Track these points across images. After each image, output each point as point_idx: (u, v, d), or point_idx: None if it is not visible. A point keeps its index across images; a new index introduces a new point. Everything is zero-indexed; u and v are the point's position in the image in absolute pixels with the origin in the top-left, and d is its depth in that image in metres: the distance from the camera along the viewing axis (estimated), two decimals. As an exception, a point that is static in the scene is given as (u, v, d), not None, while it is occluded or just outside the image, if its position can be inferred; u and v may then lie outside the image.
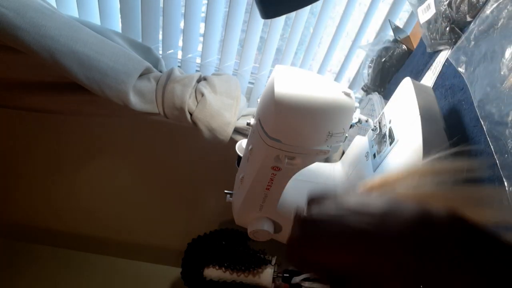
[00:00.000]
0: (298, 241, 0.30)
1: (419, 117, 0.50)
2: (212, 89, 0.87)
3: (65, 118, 1.03)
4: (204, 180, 1.18)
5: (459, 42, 0.55)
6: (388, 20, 0.86)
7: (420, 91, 0.54)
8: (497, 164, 0.42)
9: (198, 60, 0.99)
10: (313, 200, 0.31)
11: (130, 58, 0.78)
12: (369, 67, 0.86)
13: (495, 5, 0.49)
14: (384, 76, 0.84)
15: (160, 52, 0.97)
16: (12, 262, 1.25)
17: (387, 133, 0.57)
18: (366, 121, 0.57)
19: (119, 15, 0.91)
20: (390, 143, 0.55)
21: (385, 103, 0.63)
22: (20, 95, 0.85)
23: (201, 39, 0.94)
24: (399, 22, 0.91)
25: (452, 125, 0.51)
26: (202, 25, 0.91)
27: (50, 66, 0.71)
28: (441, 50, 0.64)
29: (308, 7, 0.86)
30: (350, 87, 1.04)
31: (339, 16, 0.89)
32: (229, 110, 0.87)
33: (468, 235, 0.26)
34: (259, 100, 0.52)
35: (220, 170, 1.07)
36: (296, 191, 0.67)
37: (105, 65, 0.75)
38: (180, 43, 0.96)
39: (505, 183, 0.40)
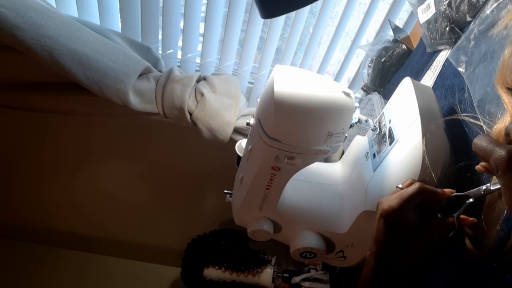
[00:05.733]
0: None
1: (419, 117, 0.50)
2: (212, 89, 0.86)
3: (65, 118, 1.03)
4: (204, 180, 1.18)
5: (459, 42, 0.55)
6: (388, 20, 0.86)
7: (420, 91, 0.54)
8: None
9: (198, 60, 0.99)
10: None
11: (130, 58, 0.78)
12: (369, 67, 0.86)
13: (495, 5, 0.49)
14: (384, 76, 0.84)
15: (160, 52, 0.97)
16: (12, 262, 1.25)
17: (387, 133, 0.57)
18: (366, 121, 0.57)
19: (119, 15, 0.91)
20: (390, 143, 0.55)
21: (385, 103, 0.63)
22: (20, 95, 0.85)
23: (201, 39, 0.94)
24: (399, 22, 0.91)
25: (452, 125, 0.51)
26: (202, 25, 0.91)
27: (49, 66, 0.71)
28: (441, 50, 0.64)
29: (307, 7, 0.86)
30: (350, 87, 1.04)
31: (338, 16, 0.89)
32: (229, 110, 0.87)
33: None
34: (258, 100, 0.52)
35: (219, 170, 1.07)
36: (296, 191, 0.67)
37: (104, 65, 0.74)
38: (180, 43, 0.96)
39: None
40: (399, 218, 0.42)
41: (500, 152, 0.31)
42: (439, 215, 0.44)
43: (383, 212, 0.43)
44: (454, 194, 0.43)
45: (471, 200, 0.41)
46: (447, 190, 0.44)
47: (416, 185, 0.42)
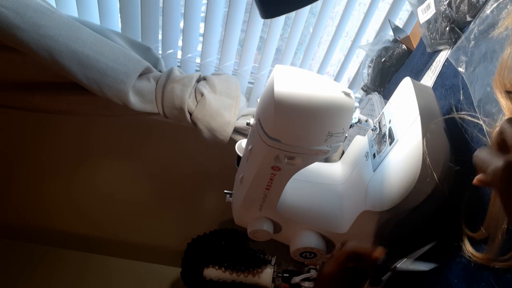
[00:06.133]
0: None
1: (419, 117, 0.50)
2: (212, 89, 0.87)
3: (65, 118, 1.03)
4: (204, 180, 1.18)
5: (459, 42, 0.55)
6: (388, 20, 0.86)
7: (420, 91, 0.54)
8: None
9: (198, 60, 0.99)
10: None
11: (130, 58, 0.78)
12: (369, 67, 0.86)
13: (495, 5, 0.49)
14: (384, 76, 0.84)
15: (160, 52, 0.97)
16: (12, 262, 1.25)
17: (387, 133, 0.57)
18: (366, 121, 0.57)
19: (119, 15, 0.91)
20: (390, 143, 0.55)
21: (385, 103, 0.63)
22: (20, 95, 0.85)
23: (201, 39, 0.94)
24: (399, 21, 0.91)
25: (452, 125, 0.51)
26: (202, 25, 0.91)
27: (49, 66, 0.71)
28: (441, 50, 0.64)
29: (307, 7, 0.86)
30: (350, 87, 1.04)
31: (338, 16, 0.89)
32: (229, 110, 0.87)
33: None
34: (258, 100, 0.52)
35: (219, 170, 1.07)
36: (296, 191, 0.67)
37: (104, 65, 0.74)
38: (180, 43, 0.96)
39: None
40: (338, 278, 0.46)
41: (497, 163, 0.30)
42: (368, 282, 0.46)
43: (322, 275, 0.47)
44: (382, 257, 0.45)
45: (389, 274, 0.44)
46: (377, 251, 0.45)
47: (347, 249, 0.45)
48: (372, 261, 0.45)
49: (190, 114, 0.87)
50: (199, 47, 0.98)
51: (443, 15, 0.59)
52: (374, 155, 0.60)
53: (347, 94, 0.47)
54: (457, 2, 0.57)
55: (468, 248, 0.43)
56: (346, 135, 0.52)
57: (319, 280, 0.47)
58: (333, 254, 0.47)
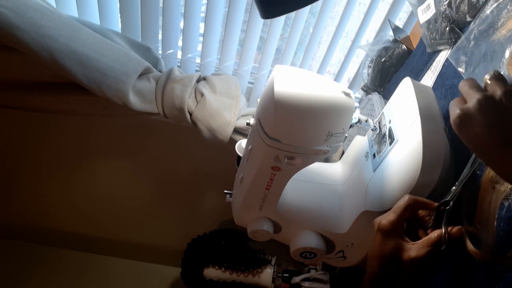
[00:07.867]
0: None
1: (419, 117, 0.50)
2: (212, 89, 0.87)
3: (65, 118, 1.03)
4: (204, 180, 1.18)
5: (459, 42, 0.55)
6: (388, 20, 0.86)
7: (420, 91, 0.54)
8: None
9: (198, 60, 0.99)
10: None
11: (130, 58, 0.78)
12: (369, 67, 0.86)
13: (495, 5, 0.49)
14: (384, 76, 0.84)
15: (160, 52, 0.97)
16: (12, 262, 1.25)
17: (387, 133, 0.57)
18: (366, 121, 0.57)
19: (119, 15, 0.91)
20: (390, 143, 0.55)
21: (385, 103, 0.63)
22: (20, 95, 0.85)
23: (201, 39, 0.94)
24: (399, 22, 0.91)
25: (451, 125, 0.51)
26: (202, 25, 0.91)
27: (49, 66, 0.71)
28: (441, 50, 0.64)
29: (307, 7, 0.86)
30: (350, 87, 1.04)
31: (338, 16, 0.89)
32: (229, 110, 0.87)
33: None
34: (258, 100, 0.52)
35: (219, 170, 1.07)
36: (296, 191, 0.68)
37: (104, 65, 0.74)
38: (180, 43, 0.96)
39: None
40: (398, 230, 0.44)
41: (455, 111, 0.36)
42: (428, 231, 0.45)
43: (381, 226, 0.44)
44: (438, 203, 0.45)
45: (450, 204, 0.44)
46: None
47: (406, 197, 0.44)
48: (430, 208, 0.45)
49: (190, 114, 0.87)
50: (199, 47, 0.98)
51: (443, 15, 0.59)
52: (374, 155, 0.60)
53: (347, 94, 0.47)
54: (457, 2, 0.57)
55: (469, 246, 0.43)
56: (346, 135, 0.52)
57: (378, 230, 0.44)
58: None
